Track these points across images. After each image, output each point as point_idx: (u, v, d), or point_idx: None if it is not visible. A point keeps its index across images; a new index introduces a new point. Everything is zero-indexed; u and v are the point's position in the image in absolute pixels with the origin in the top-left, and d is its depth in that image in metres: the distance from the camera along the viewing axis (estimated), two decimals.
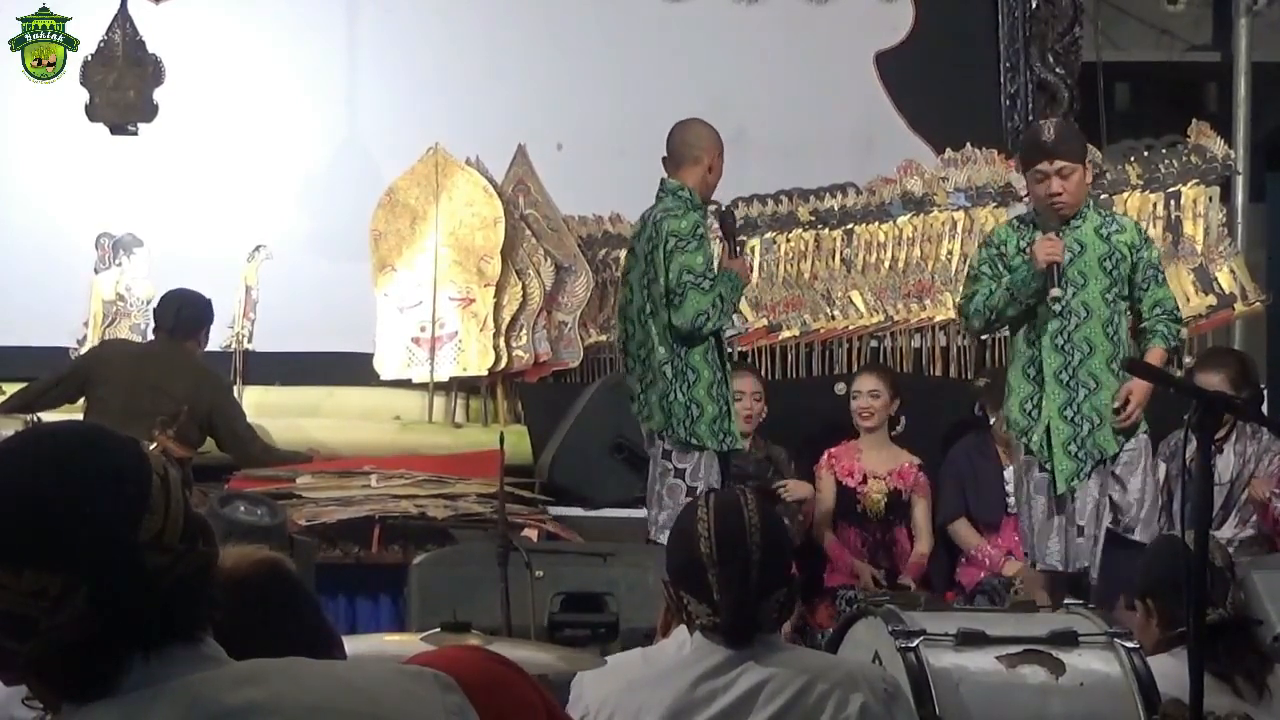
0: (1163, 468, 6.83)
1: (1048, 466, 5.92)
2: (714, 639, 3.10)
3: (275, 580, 2.49)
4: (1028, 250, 5.94)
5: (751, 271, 6.32)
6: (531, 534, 6.68)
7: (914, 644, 3.86)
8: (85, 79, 7.99)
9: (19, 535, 1.55)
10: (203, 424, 7.02)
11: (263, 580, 2.46)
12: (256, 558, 2.50)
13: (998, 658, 3.94)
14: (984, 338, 8.23)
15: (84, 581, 1.55)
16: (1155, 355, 6.02)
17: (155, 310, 7.48)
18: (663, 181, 6.35)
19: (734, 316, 8.26)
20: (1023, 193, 8.38)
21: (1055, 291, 5.84)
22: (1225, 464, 6.72)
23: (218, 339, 8.28)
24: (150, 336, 7.62)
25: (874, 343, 8.38)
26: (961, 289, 6.19)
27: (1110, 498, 5.99)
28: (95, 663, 1.58)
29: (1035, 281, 5.88)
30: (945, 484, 7.06)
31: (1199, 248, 8.33)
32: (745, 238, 8.38)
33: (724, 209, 6.40)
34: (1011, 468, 6.98)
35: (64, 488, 1.57)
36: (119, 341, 7.77)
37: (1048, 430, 5.93)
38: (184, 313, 7.28)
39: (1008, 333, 6.25)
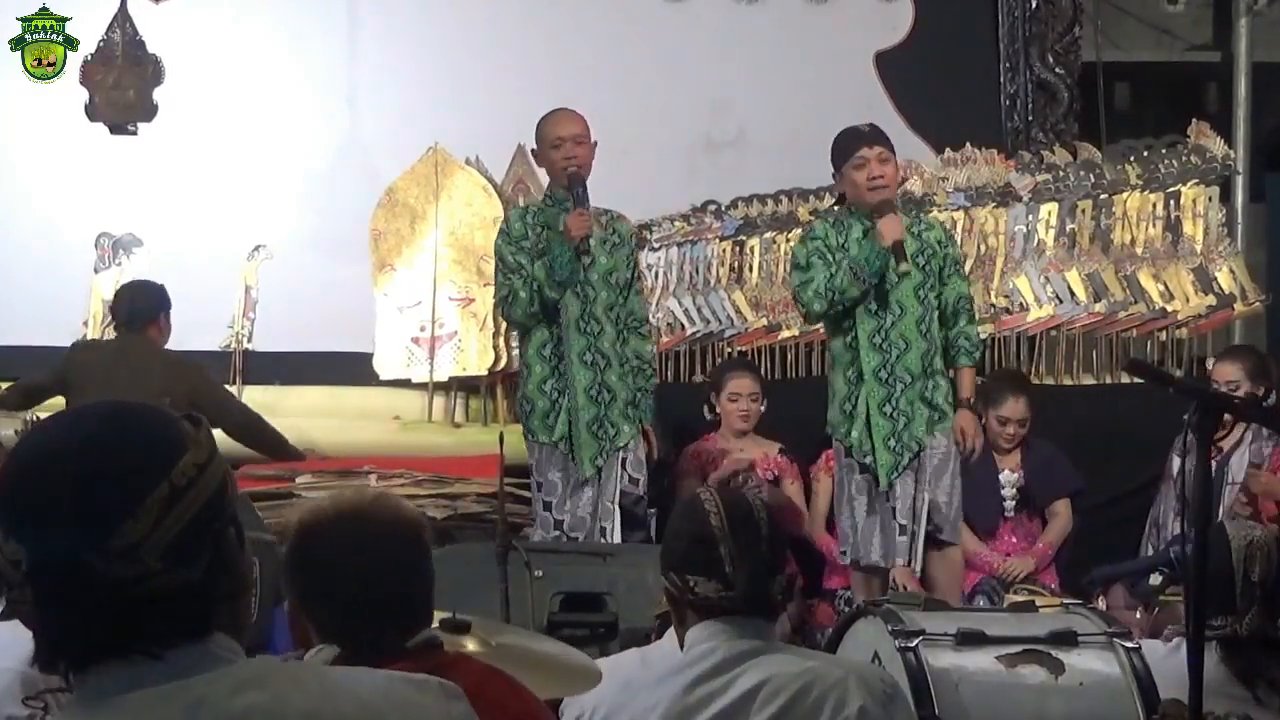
0: (1177, 462, 6.84)
1: (868, 462, 6.11)
2: (731, 623, 3.10)
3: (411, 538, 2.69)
4: (847, 243, 6.16)
5: (586, 218, 6.28)
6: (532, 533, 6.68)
7: (913, 644, 3.86)
8: (85, 79, 7.99)
9: (8, 500, 1.57)
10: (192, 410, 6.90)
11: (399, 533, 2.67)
12: (406, 513, 2.73)
13: (997, 658, 3.93)
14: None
15: (36, 567, 1.56)
16: (966, 377, 6.29)
17: (110, 308, 7.46)
18: None
19: (731, 316, 8.30)
20: (1022, 193, 8.40)
21: (904, 266, 6.07)
22: (1239, 464, 6.73)
23: (218, 339, 8.29)
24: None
25: None
26: (791, 280, 6.33)
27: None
28: (55, 651, 1.59)
29: (879, 260, 6.06)
30: None
31: (1199, 248, 8.33)
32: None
33: (570, 173, 6.42)
34: (1006, 471, 6.99)
35: (57, 472, 1.57)
36: (88, 345, 7.68)
37: (867, 426, 6.11)
38: (137, 302, 7.24)
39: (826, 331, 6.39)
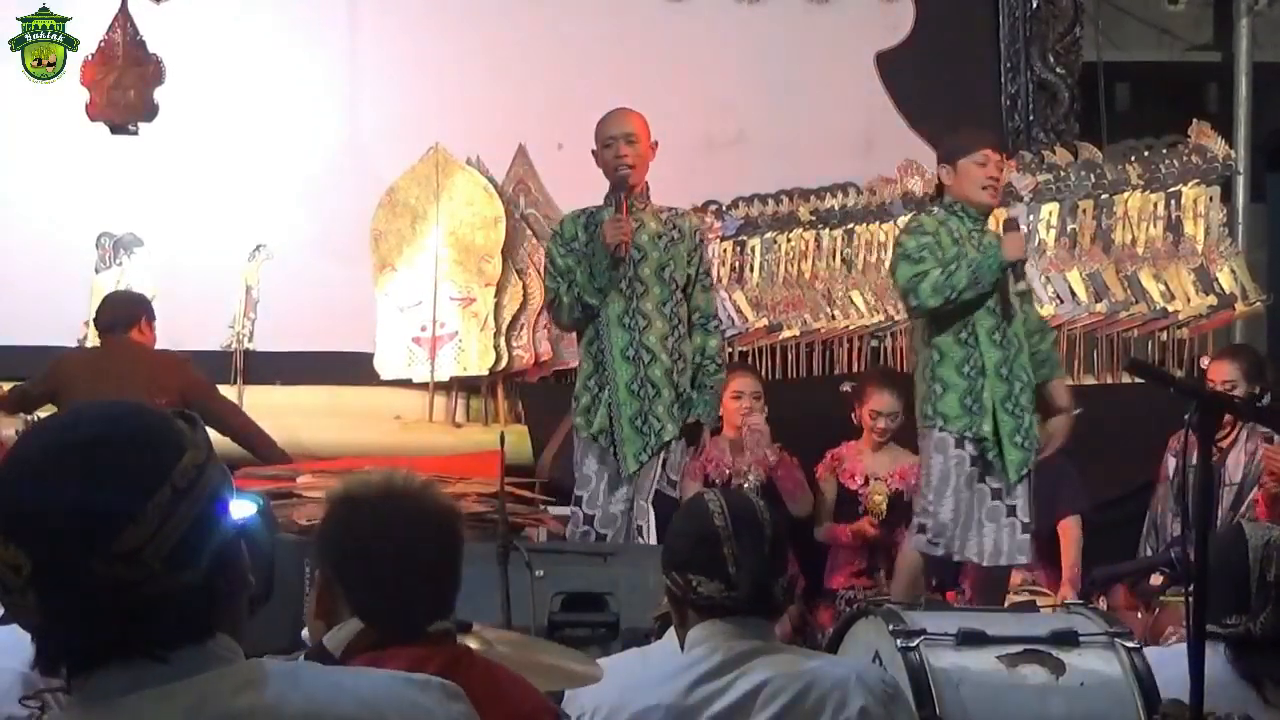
0: (1172, 463, 6.84)
1: (990, 457, 6.02)
2: (732, 623, 3.10)
3: (448, 529, 2.76)
4: (960, 240, 6.10)
5: (622, 225, 6.17)
6: (533, 533, 6.68)
7: (914, 643, 3.86)
8: (85, 79, 7.99)
9: (7, 505, 1.56)
10: (185, 408, 6.76)
11: (438, 520, 2.74)
12: (451, 506, 2.81)
13: (998, 657, 3.93)
14: None
15: (38, 571, 1.55)
16: (1062, 388, 6.32)
17: (93, 320, 7.46)
18: None
19: (732, 316, 8.29)
20: (1023, 193, 8.39)
21: (1021, 285, 6.07)
22: (1235, 463, 6.72)
23: (219, 339, 8.29)
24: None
25: (874, 342, 8.37)
26: (900, 272, 6.16)
27: None
28: (57, 654, 1.59)
29: (998, 271, 6.01)
30: None
31: (1199, 248, 8.33)
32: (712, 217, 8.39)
33: (618, 175, 6.39)
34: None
35: (56, 475, 1.56)
36: (73, 354, 7.65)
37: (994, 422, 6.04)
38: (117, 310, 7.24)
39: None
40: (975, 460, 6.03)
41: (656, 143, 6.40)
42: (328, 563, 2.77)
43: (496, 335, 8.27)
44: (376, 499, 2.74)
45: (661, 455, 6.29)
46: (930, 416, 6.09)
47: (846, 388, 7.37)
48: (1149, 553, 6.80)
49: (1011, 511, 6.03)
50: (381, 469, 2.83)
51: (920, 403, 6.17)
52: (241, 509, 2.88)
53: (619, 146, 6.29)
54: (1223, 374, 6.73)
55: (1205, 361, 7.32)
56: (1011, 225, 6.10)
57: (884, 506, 7.01)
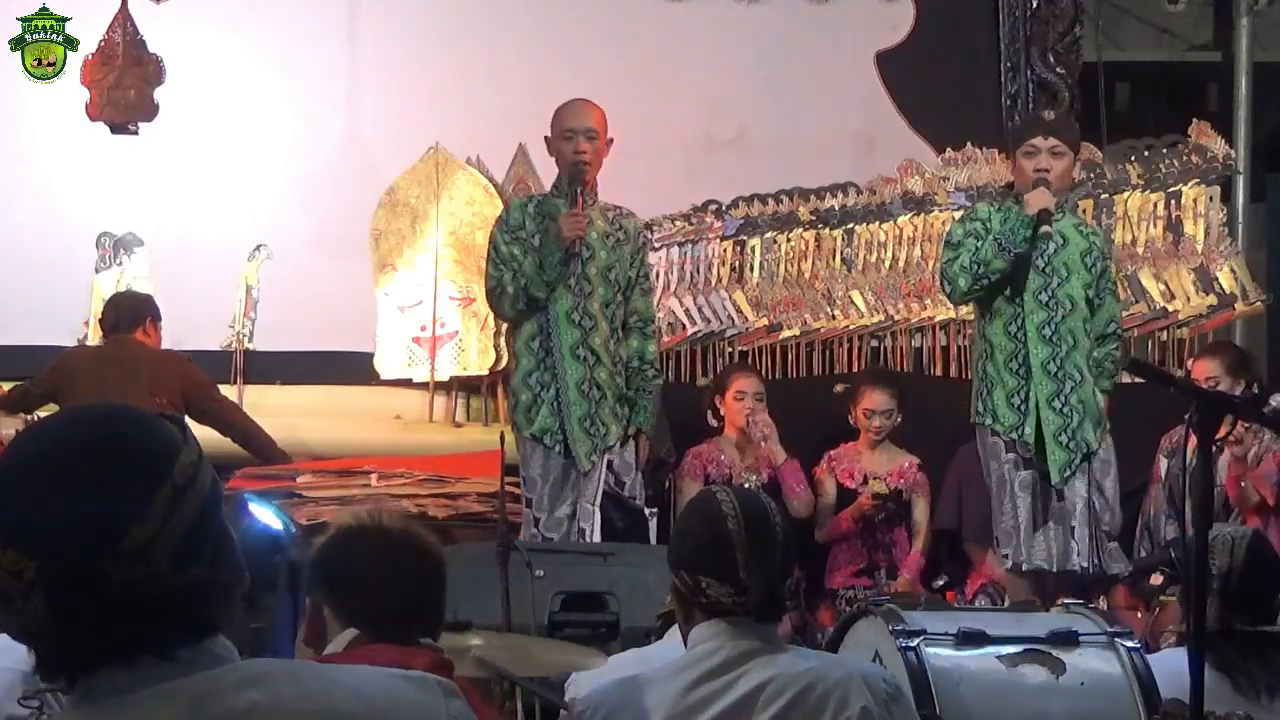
0: (1164, 464, 6.83)
1: (1034, 462, 5.97)
2: (735, 623, 3.09)
3: (428, 556, 3.03)
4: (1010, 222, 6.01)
5: (579, 220, 6.14)
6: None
7: (915, 643, 3.86)
8: (85, 79, 7.99)
9: (6, 510, 1.56)
10: (186, 408, 6.77)
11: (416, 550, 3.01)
12: (425, 537, 3.06)
13: (998, 657, 3.93)
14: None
15: (46, 575, 1.55)
16: (1104, 402, 6.19)
17: (99, 319, 7.45)
18: None
19: (733, 315, 8.29)
20: None
21: (1045, 229, 5.90)
22: (1223, 465, 6.72)
23: (219, 339, 8.29)
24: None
25: (874, 342, 8.37)
26: (942, 256, 6.15)
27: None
28: (61, 658, 1.58)
29: (1023, 229, 5.89)
30: (945, 492, 7.01)
31: (1199, 247, 8.33)
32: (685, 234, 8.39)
33: (573, 169, 6.36)
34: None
35: (59, 477, 1.56)
36: (75, 352, 7.64)
37: (1037, 422, 5.97)
38: (122, 309, 7.26)
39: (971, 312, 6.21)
40: (1029, 463, 5.96)
41: (612, 139, 6.39)
42: (321, 588, 2.98)
43: (496, 335, 8.26)
44: (365, 531, 3.02)
45: (606, 457, 6.27)
46: (981, 412, 6.05)
47: (839, 389, 7.37)
48: (1142, 554, 6.80)
49: (1065, 514, 5.97)
50: (367, 509, 3.16)
51: (973, 397, 6.12)
52: (269, 519, 3.05)
53: (579, 141, 6.27)
54: (1205, 371, 6.73)
55: (1190, 361, 7.32)
56: (1040, 184, 5.94)
57: (884, 493, 7.01)
